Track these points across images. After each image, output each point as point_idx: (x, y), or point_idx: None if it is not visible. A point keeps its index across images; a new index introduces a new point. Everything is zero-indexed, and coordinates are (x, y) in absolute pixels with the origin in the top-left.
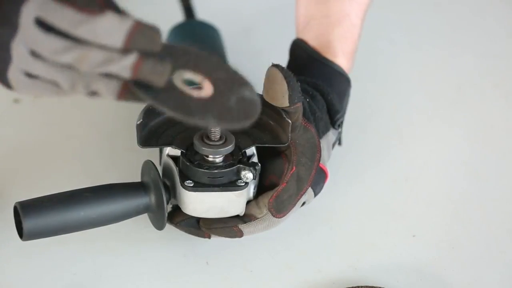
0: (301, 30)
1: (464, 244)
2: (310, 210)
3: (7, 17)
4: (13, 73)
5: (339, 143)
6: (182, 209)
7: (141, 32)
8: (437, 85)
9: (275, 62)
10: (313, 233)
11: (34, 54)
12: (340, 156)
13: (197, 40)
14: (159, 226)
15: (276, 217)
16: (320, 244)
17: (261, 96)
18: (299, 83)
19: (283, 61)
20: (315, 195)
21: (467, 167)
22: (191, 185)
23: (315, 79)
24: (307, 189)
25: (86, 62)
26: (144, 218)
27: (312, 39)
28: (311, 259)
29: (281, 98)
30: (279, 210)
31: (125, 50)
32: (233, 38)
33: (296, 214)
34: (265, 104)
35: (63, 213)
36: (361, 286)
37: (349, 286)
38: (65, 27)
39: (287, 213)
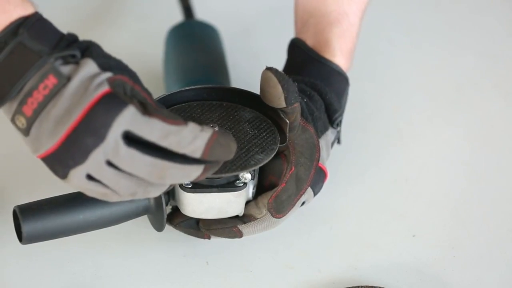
0: (299, 29)
1: (464, 244)
2: (310, 210)
3: (97, 129)
4: (78, 172)
5: (338, 142)
6: (181, 210)
7: (219, 142)
8: (437, 85)
9: (269, 65)
10: (313, 233)
11: (110, 163)
12: (339, 156)
13: (197, 40)
14: (159, 227)
15: (275, 217)
16: (320, 244)
17: (258, 97)
18: (296, 83)
19: (282, 61)
20: (315, 194)
21: (467, 167)
22: (190, 186)
23: (313, 79)
24: (306, 189)
25: (168, 177)
26: (144, 219)
27: (310, 38)
28: (311, 259)
29: (277, 100)
30: (279, 210)
31: (203, 160)
32: (233, 38)
33: (296, 214)
34: (263, 105)
35: (62, 216)
36: (361, 286)
37: (349, 286)
38: (154, 139)
39: (287, 213)
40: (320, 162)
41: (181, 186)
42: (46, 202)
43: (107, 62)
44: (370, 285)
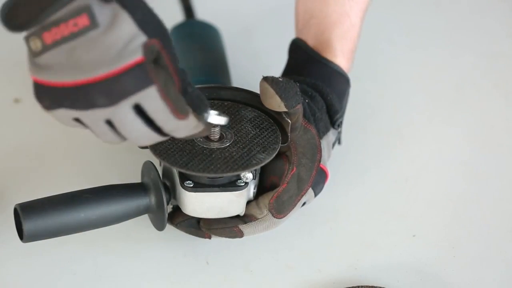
0: (300, 30)
1: (464, 244)
2: (310, 210)
3: (114, 93)
4: (68, 113)
5: (339, 143)
6: (182, 210)
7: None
8: (437, 85)
9: (270, 65)
10: (313, 233)
11: (109, 123)
12: (340, 156)
13: (198, 40)
14: (160, 226)
15: (276, 218)
16: (320, 244)
17: (260, 96)
18: (297, 84)
19: (283, 60)
20: (316, 195)
21: (467, 167)
22: (191, 185)
23: (315, 80)
24: (307, 189)
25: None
26: (145, 219)
27: (311, 39)
28: (312, 259)
29: (278, 107)
30: (280, 210)
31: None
32: (233, 38)
33: (296, 214)
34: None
35: (63, 214)
36: (361, 286)
37: (349, 286)
38: (157, 120)
39: (288, 213)
40: (321, 163)
41: (182, 185)
42: (47, 200)
43: (144, 18)
44: (370, 285)
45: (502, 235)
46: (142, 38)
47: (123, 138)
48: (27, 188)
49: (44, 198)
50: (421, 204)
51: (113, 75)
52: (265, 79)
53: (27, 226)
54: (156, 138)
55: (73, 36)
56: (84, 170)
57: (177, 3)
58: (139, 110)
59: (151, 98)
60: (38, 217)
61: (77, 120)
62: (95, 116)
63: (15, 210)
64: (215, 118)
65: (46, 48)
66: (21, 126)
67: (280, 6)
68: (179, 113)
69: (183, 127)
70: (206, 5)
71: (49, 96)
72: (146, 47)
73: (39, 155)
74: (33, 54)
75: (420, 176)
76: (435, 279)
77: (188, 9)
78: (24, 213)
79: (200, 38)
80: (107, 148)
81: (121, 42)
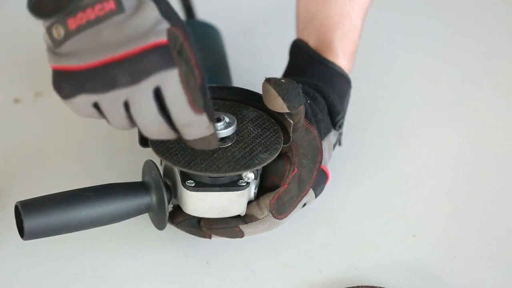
0: (301, 30)
1: (464, 244)
2: (311, 210)
3: (137, 72)
4: (88, 98)
5: (339, 144)
6: (183, 209)
7: (206, 140)
8: (437, 85)
9: (270, 65)
10: (313, 233)
11: (126, 105)
12: (340, 156)
13: (197, 40)
14: (160, 226)
15: (277, 218)
16: (320, 244)
17: (261, 96)
18: (300, 84)
19: (283, 60)
20: (316, 196)
21: (467, 167)
22: (193, 184)
23: (316, 80)
24: (308, 190)
25: (160, 136)
26: (145, 218)
27: (312, 40)
28: (312, 259)
29: (280, 109)
30: (280, 211)
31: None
32: (234, 38)
33: (296, 214)
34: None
35: (64, 212)
36: (361, 286)
37: (349, 286)
38: (173, 109)
39: (288, 214)
40: (322, 164)
41: (183, 184)
42: (48, 198)
43: (167, 10)
44: (370, 285)
45: (502, 235)
46: (166, 24)
47: (134, 124)
48: (27, 188)
49: (45, 196)
50: (421, 204)
51: (137, 52)
52: (268, 80)
53: (28, 223)
54: (165, 130)
55: (99, 20)
56: (84, 169)
57: (177, 3)
58: (157, 97)
59: (172, 82)
60: (39, 214)
61: (95, 106)
62: (115, 97)
63: (16, 207)
64: (222, 132)
65: (69, 34)
66: (21, 126)
67: (280, 6)
68: (196, 106)
69: (197, 124)
70: (206, 5)
71: (70, 82)
72: (170, 33)
73: (39, 155)
74: (55, 43)
75: (420, 176)
76: (435, 279)
77: (188, 9)
78: (25, 210)
79: (200, 38)
80: (108, 148)
81: (146, 24)
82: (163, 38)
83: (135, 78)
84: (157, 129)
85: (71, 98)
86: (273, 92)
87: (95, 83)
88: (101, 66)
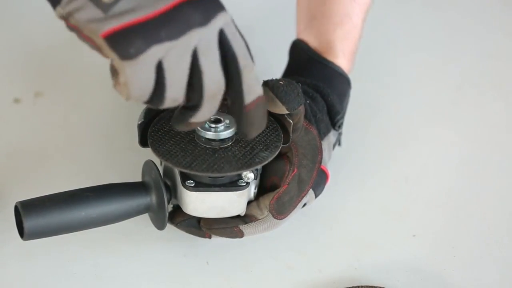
0: (301, 30)
1: (464, 244)
2: (311, 210)
3: (206, 10)
4: (157, 52)
5: (339, 144)
6: (183, 209)
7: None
8: (437, 85)
9: (271, 66)
10: (313, 233)
11: (194, 54)
12: (340, 156)
13: None
14: (160, 226)
15: (277, 219)
16: (320, 244)
17: None
18: (299, 84)
19: (283, 60)
20: (316, 196)
21: (467, 167)
22: (192, 185)
23: (316, 80)
24: (308, 190)
25: (214, 101)
26: (145, 218)
27: (312, 40)
28: (311, 259)
29: (280, 111)
30: (280, 211)
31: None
32: None
33: (296, 214)
34: None
35: (64, 212)
36: (361, 286)
37: (349, 286)
38: (238, 52)
39: (288, 214)
40: (322, 164)
41: (183, 184)
42: (48, 198)
43: None
44: (370, 285)
45: (502, 235)
46: None
47: (190, 90)
48: (27, 188)
49: (45, 196)
50: (421, 204)
51: None
52: (266, 83)
53: (27, 223)
54: (222, 87)
55: None
56: (84, 169)
57: None
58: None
59: (232, 23)
60: (39, 214)
61: (158, 68)
62: (187, 43)
63: (16, 207)
64: (223, 133)
65: None
66: (21, 126)
67: (280, 6)
68: (249, 54)
69: (252, 67)
70: None
71: (143, 33)
72: None
73: (39, 155)
74: (105, 7)
75: (420, 176)
76: (435, 279)
77: None
78: (25, 210)
79: None
80: (108, 148)
81: None
82: None
83: (207, 16)
84: (218, 85)
85: (142, 53)
86: (271, 95)
87: (170, 28)
88: (173, 9)
